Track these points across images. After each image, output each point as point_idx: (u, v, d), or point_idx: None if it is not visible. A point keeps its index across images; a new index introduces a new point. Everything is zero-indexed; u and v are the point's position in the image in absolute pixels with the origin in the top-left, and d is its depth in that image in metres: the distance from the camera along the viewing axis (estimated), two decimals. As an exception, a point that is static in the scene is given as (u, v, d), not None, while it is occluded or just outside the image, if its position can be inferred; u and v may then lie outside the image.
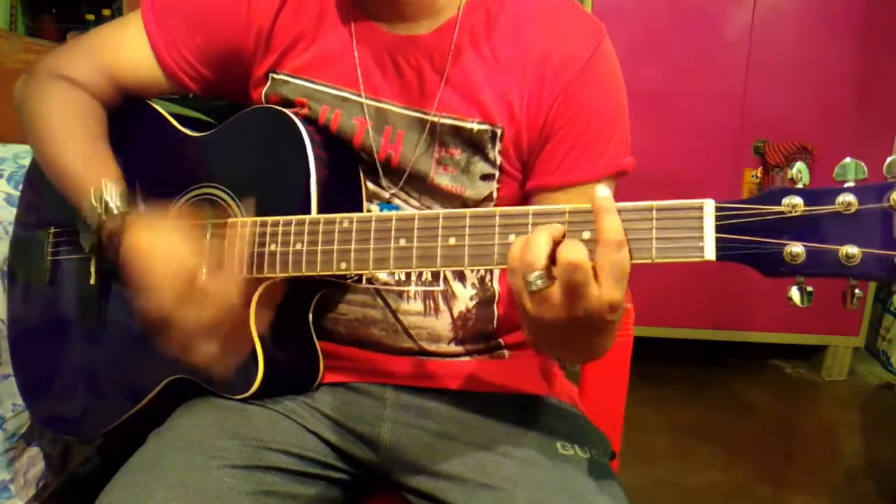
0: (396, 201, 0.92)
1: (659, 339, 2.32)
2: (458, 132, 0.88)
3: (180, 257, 0.81)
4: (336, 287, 0.92)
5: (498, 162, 0.89)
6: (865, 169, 0.60)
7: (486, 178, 0.90)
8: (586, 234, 0.65)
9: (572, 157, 0.87)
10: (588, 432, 0.95)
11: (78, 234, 1.04)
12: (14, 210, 1.17)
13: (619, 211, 0.64)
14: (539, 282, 0.63)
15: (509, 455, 0.87)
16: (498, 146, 0.88)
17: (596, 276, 0.63)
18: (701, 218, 0.63)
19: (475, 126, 0.88)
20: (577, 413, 0.99)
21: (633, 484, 0.86)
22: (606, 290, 0.63)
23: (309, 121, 0.90)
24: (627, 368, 1.10)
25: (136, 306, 0.83)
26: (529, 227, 0.68)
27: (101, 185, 0.86)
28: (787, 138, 2.20)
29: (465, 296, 0.93)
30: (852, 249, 0.58)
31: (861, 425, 2.22)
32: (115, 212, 0.86)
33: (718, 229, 0.62)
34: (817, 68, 2.16)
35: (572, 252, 0.62)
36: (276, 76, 0.93)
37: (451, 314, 0.93)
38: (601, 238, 0.63)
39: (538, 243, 0.64)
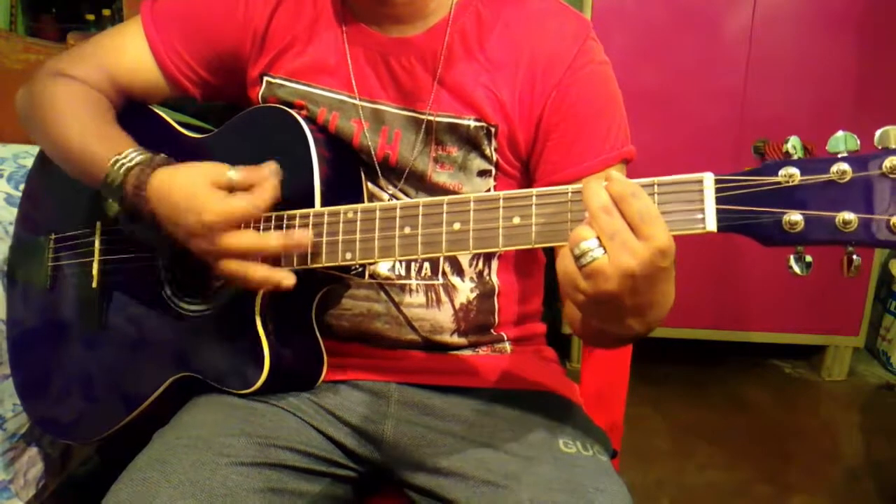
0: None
1: (659, 339, 2.32)
2: (454, 129, 0.89)
3: (206, 170, 0.82)
4: (339, 283, 0.92)
5: (494, 158, 0.90)
6: (857, 141, 0.61)
7: (483, 174, 0.91)
8: None
9: (577, 151, 0.88)
10: (590, 430, 0.95)
11: (78, 240, 1.04)
12: (14, 210, 1.18)
13: None
14: (592, 252, 0.61)
15: (512, 452, 0.87)
16: (493, 143, 0.89)
17: (631, 228, 0.61)
18: (701, 191, 0.64)
19: (471, 123, 0.89)
20: (578, 410, 1.00)
21: (633, 484, 0.87)
22: (648, 236, 0.61)
23: (309, 121, 0.91)
24: (627, 368, 1.11)
25: (188, 243, 0.83)
26: (533, 207, 0.68)
27: (121, 152, 0.86)
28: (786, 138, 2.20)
29: (465, 288, 0.94)
30: (849, 215, 0.60)
31: (861, 425, 2.22)
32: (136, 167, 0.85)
33: (718, 201, 0.64)
34: (817, 68, 2.16)
35: (595, 196, 0.62)
36: (270, 79, 0.94)
37: (453, 306, 0.94)
38: (614, 196, 0.62)
39: (581, 228, 0.63)
